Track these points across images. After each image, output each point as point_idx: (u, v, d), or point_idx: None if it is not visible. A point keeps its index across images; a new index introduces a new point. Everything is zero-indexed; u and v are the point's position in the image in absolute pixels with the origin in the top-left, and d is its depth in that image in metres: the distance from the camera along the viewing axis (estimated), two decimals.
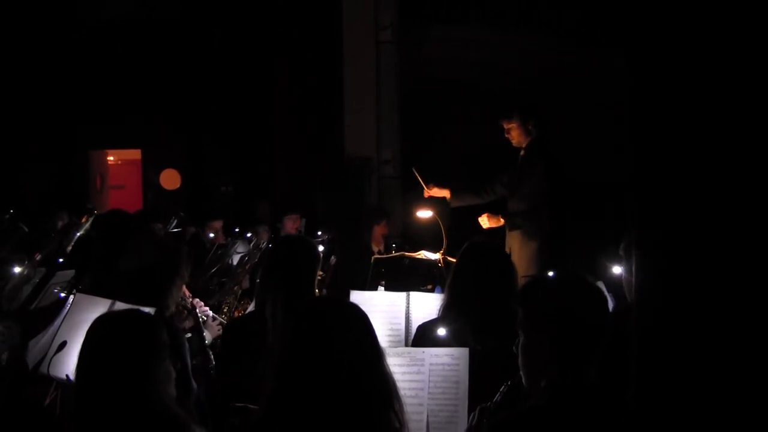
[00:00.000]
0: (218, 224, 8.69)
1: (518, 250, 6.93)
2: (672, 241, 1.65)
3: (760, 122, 1.60)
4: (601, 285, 4.79)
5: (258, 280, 4.84)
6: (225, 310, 6.30)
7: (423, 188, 7.31)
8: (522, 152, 7.16)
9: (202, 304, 4.99)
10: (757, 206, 1.61)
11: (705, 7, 1.61)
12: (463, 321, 3.86)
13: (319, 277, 6.57)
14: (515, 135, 7.12)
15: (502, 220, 6.98)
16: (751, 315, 1.56)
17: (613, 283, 5.06)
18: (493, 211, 7.08)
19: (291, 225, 8.97)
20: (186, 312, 4.78)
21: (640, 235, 1.76)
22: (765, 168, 1.60)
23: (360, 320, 2.76)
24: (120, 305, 3.95)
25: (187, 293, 4.86)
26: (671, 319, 1.63)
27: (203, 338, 4.67)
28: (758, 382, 1.57)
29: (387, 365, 2.73)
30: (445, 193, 7.32)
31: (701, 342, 1.58)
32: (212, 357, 4.63)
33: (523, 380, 2.82)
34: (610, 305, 4.74)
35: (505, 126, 7.17)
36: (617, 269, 5.03)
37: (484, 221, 7.01)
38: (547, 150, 7.10)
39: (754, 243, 1.58)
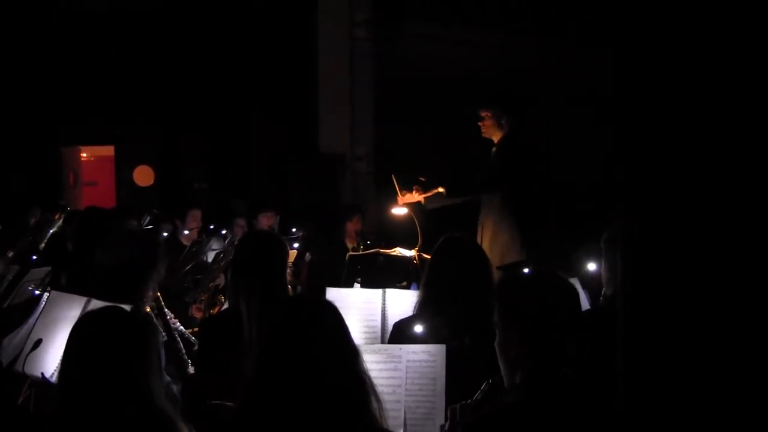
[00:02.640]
0: (197, 212, 8.63)
1: (489, 243, 6.96)
2: (657, 235, 1.66)
3: (744, 118, 1.61)
4: (575, 281, 4.83)
5: (229, 277, 4.83)
6: (201, 307, 6.29)
7: (398, 195, 7.29)
8: (494, 149, 7.17)
9: (172, 315, 4.94)
10: (742, 200, 1.62)
11: (690, 7, 1.62)
12: (439, 317, 3.86)
13: (290, 273, 6.58)
14: (487, 125, 7.08)
15: (442, 189, 6.98)
16: (736, 307, 1.57)
17: (589, 280, 5.09)
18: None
19: (265, 222, 8.94)
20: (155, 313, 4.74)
21: (625, 229, 1.77)
22: (749, 162, 1.61)
23: (336, 318, 2.76)
24: (95, 303, 3.93)
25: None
26: (655, 312, 1.64)
27: (176, 339, 4.65)
28: (743, 375, 1.59)
29: (363, 363, 2.73)
30: (418, 199, 7.31)
31: (685, 334, 1.60)
32: (187, 358, 4.61)
33: (504, 378, 2.83)
34: (585, 302, 4.77)
35: (481, 113, 7.15)
36: (592, 266, 5.05)
37: (408, 197, 7.04)
38: (519, 149, 7.09)
39: (739, 236, 1.60)
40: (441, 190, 6.95)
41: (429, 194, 7.00)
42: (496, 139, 7.10)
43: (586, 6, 9.94)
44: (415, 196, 7.12)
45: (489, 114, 7.07)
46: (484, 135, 7.15)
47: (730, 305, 1.62)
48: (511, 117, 7.08)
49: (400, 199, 7.13)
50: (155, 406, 2.73)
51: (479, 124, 7.13)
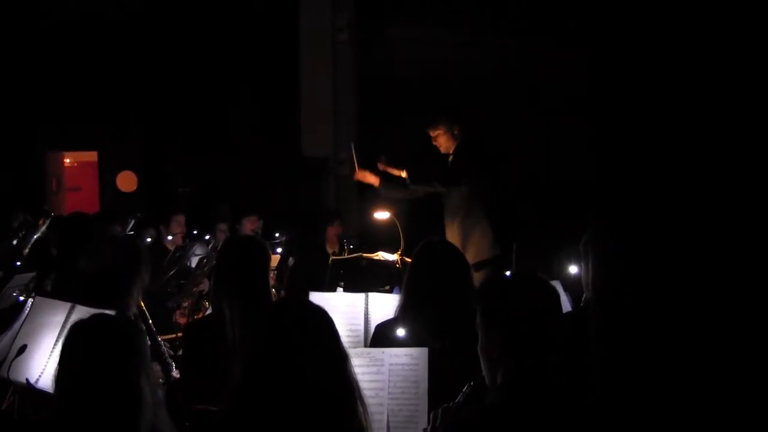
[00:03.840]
0: (181, 217, 8.63)
1: (460, 244, 7.03)
2: (629, 237, 1.69)
3: (722, 121, 1.65)
4: (557, 284, 4.87)
5: (212, 282, 4.85)
6: (185, 312, 6.31)
7: (355, 169, 7.40)
8: (450, 157, 7.26)
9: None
10: (717, 203, 1.66)
11: (667, 15, 1.65)
12: (420, 321, 3.89)
13: (273, 278, 6.60)
14: (443, 141, 7.25)
15: (404, 174, 7.15)
16: (708, 307, 1.61)
17: (571, 283, 5.12)
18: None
19: (249, 226, 8.94)
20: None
21: (599, 231, 1.81)
22: (724, 165, 1.65)
23: (326, 323, 2.78)
24: (80, 309, 3.94)
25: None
26: (628, 313, 1.67)
27: (159, 344, 4.66)
28: (713, 373, 1.62)
29: (352, 368, 2.76)
30: (374, 181, 7.37)
31: (657, 333, 1.63)
32: (171, 362, 4.63)
33: (486, 379, 2.86)
34: (567, 305, 4.80)
35: (431, 134, 7.27)
36: (574, 269, 5.09)
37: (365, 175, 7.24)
38: (476, 152, 7.20)
39: (713, 237, 1.63)
40: (403, 174, 7.09)
41: (391, 173, 7.15)
42: (452, 150, 7.25)
43: (567, 9, 10.00)
44: (370, 177, 7.23)
45: (441, 130, 7.20)
46: (443, 152, 7.27)
47: (700, 305, 1.66)
48: (461, 125, 7.21)
49: (357, 173, 7.26)
50: (148, 408, 2.76)
51: (434, 144, 7.27)
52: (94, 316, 2.97)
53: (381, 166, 7.23)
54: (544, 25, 10.65)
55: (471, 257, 6.80)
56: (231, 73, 13.03)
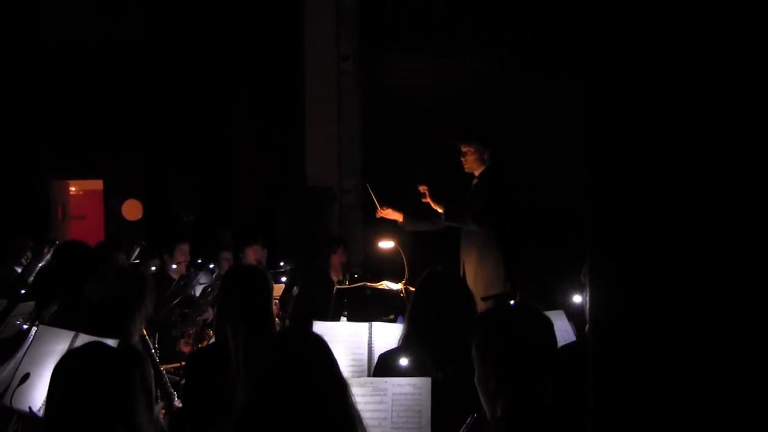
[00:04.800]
0: (185, 247, 8.62)
1: (473, 277, 7.02)
2: (625, 268, 1.70)
3: (717, 151, 1.66)
4: (561, 314, 4.87)
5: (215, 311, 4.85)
6: (189, 341, 6.31)
7: (376, 208, 7.38)
8: (475, 180, 7.25)
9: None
10: (710, 234, 1.66)
11: (665, 30, 1.66)
12: (423, 350, 3.89)
13: (277, 307, 6.59)
14: (470, 160, 7.22)
15: (440, 210, 7.09)
16: (704, 340, 1.61)
17: (574, 312, 5.12)
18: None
19: (252, 255, 8.92)
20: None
21: (594, 261, 1.82)
22: (719, 197, 1.66)
23: (326, 353, 2.78)
24: (83, 337, 3.95)
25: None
26: (624, 345, 1.67)
27: (162, 373, 4.66)
28: (709, 407, 1.62)
29: (352, 397, 2.76)
30: (397, 217, 7.38)
31: (655, 366, 1.63)
32: (173, 391, 4.63)
33: (486, 411, 2.86)
34: (572, 334, 4.80)
35: (462, 149, 7.26)
36: (578, 298, 5.09)
37: (388, 212, 7.16)
38: (500, 181, 7.20)
39: (706, 269, 1.64)
40: (440, 210, 7.08)
41: (431, 204, 7.14)
42: (477, 172, 7.21)
43: (562, 34, 10.05)
44: (393, 214, 7.23)
45: (471, 150, 7.19)
46: (467, 170, 7.26)
47: (698, 334, 1.66)
48: (491, 152, 7.21)
49: (379, 212, 7.25)
50: None
51: (462, 159, 7.24)
52: (87, 345, 2.96)
53: (423, 190, 7.20)
54: (546, 53, 10.70)
55: (482, 288, 6.81)
56: (235, 103, 13.09)
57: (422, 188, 7.18)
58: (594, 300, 1.81)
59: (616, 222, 1.76)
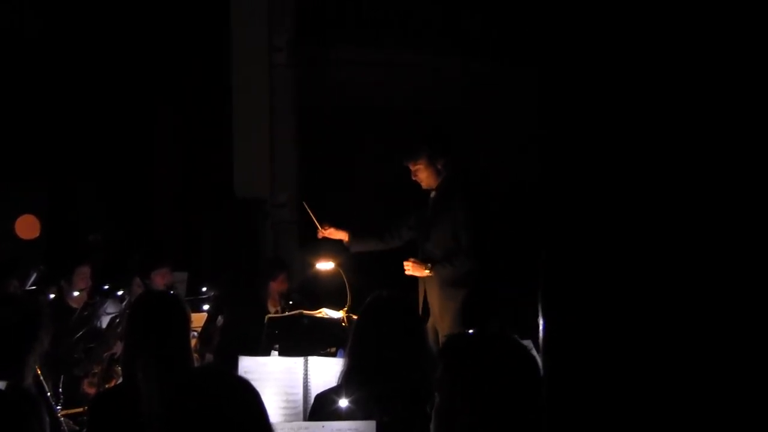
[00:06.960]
0: (86, 269, 8.48)
1: (439, 307, 7.01)
2: (572, 299, 1.74)
3: (691, 149, 1.70)
4: (529, 344, 4.91)
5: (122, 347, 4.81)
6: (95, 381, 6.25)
7: (317, 228, 7.33)
8: (433, 193, 7.23)
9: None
10: (655, 266, 1.71)
11: (623, 29, 1.69)
12: (366, 388, 3.89)
13: (197, 340, 6.55)
14: (424, 177, 7.16)
15: (427, 272, 7.00)
16: (649, 368, 1.66)
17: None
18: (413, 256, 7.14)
19: (161, 280, 8.75)
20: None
21: (544, 295, 1.86)
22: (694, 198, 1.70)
23: (249, 397, 2.75)
24: None
25: None
26: (572, 364, 1.72)
27: (59, 420, 4.61)
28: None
29: None
30: (342, 236, 7.36)
31: (604, 392, 1.67)
32: None
33: None
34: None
35: (411, 167, 7.21)
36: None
37: (409, 268, 7.03)
38: (466, 189, 7.17)
39: (653, 296, 1.68)
40: (430, 273, 7.01)
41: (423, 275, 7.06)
42: (435, 185, 7.19)
43: (514, 27, 10.18)
44: (337, 233, 7.18)
45: (421, 165, 7.15)
46: (425, 187, 7.22)
47: (643, 363, 1.71)
48: (445, 158, 7.16)
49: (321, 232, 7.21)
50: None
51: (414, 179, 7.20)
52: None
53: (408, 265, 7.14)
54: (497, 45, 10.80)
55: (447, 325, 6.80)
56: (152, 104, 13.00)
57: (407, 263, 7.08)
58: (546, 321, 1.86)
59: (563, 262, 1.80)
